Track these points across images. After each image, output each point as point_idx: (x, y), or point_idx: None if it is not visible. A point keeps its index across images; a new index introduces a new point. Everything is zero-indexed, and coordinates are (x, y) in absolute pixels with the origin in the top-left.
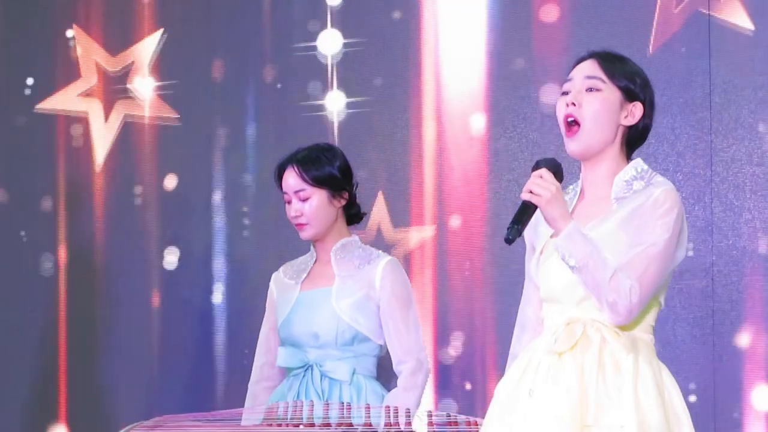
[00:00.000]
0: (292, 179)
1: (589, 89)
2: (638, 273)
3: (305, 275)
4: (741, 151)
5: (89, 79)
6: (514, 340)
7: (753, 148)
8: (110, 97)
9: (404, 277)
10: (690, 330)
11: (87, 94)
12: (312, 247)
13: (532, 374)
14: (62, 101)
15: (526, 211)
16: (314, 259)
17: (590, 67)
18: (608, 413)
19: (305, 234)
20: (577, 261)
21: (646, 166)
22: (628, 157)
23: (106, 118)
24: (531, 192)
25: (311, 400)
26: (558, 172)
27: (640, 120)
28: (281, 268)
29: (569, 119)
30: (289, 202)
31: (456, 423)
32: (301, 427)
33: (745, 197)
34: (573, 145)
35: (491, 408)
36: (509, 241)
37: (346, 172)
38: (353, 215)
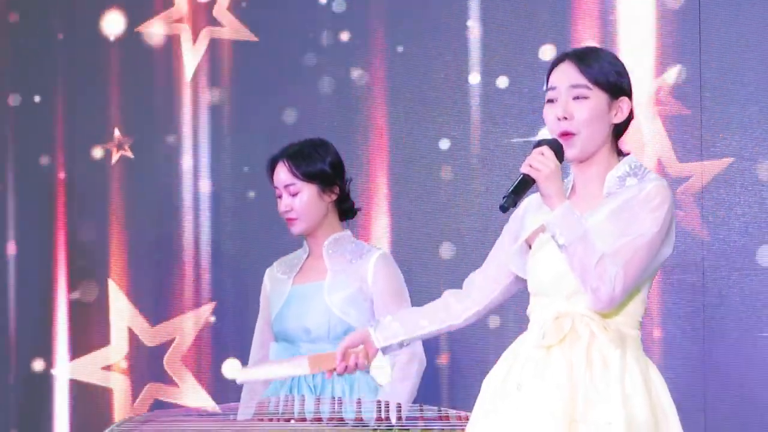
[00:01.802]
0: (282, 174)
1: (576, 97)
2: (624, 261)
3: (298, 270)
4: (732, 147)
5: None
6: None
7: (744, 143)
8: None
9: (396, 270)
10: (680, 325)
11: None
12: (305, 242)
13: (519, 369)
14: None
15: (524, 184)
16: (307, 254)
17: (571, 73)
18: (596, 408)
19: (295, 229)
20: (567, 240)
21: (639, 163)
22: (617, 149)
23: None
24: (530, 166)
25: (302, 395)
26: (559, 153)
27: (628, 114)
28: (275, 264)
29: (562, 132)
30: (280, 197)
31: (447, 417)
32: (293, 421)
33: (735, 192)
34: (570, 152)
35: (479, 402)
36: (504, 209)
37: (338, 167)
38: (346, 210)
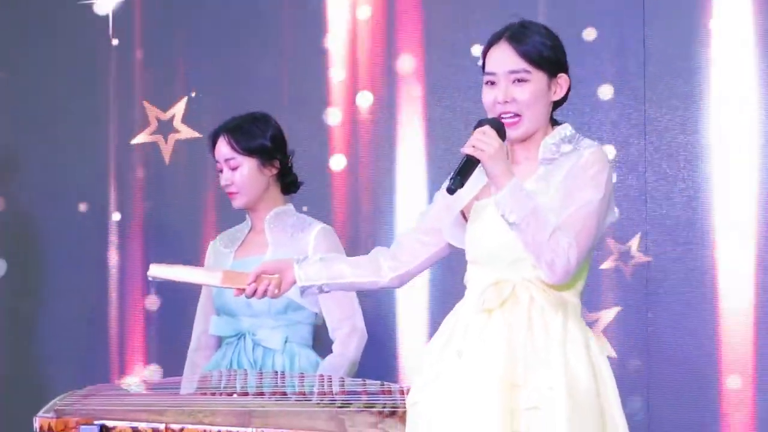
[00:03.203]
0: (223, 148)
1: (516, 80)
2: (575, 231)
3: (239, 243)
4: (675, 121)
5: None
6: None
7: (687, 117)
8: None
9: (338, 243)
10: (624, 299)
11: None
12: (247, 216)
13: (460, 335)
14: None
15: (469, 164)
16: (249, 228)
17: (510, 57)
18: (537, 373)
19: (236, 202)
20: (518, 217)
21: (573, 131)
22: (552, 120)
23: None
24: (474, 147)
25: (245, 369)
26: (500, 131)
27: (566, 89)
28: (218, 237)
29: (505, 116)
30: (221, 171)
31: (390, 392)
32: (235, 395)
33: (678, 167)
34: (514, 134)
35: (419, 371)
36: (452, 191)
37: (278, 141)
38: (289, 184)
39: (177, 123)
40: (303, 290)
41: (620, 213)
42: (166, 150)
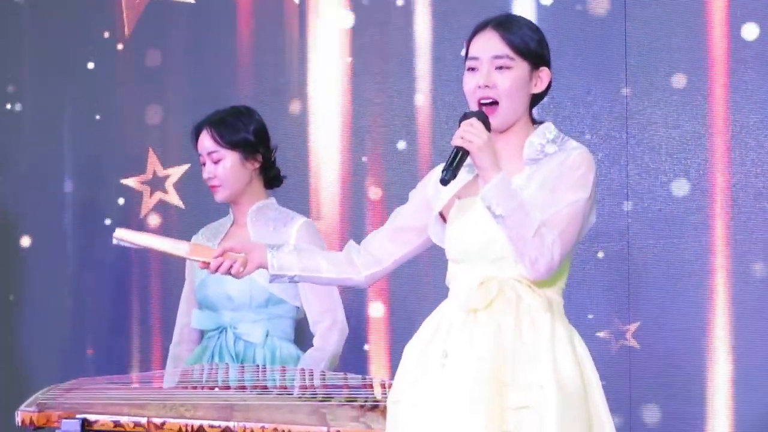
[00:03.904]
0: (206, 141)
1: (499, 67)
2: (560, 229)
3: (222, 237)
4: (657, 114)
5: None
6: (352, 244)
7: (668, 110)
8: None
9: (319, 237)
10: (605, 293)
11: None
12: (230, 210)
13: (444, 335)
14: None
15: (459, 156)
16: (231, 222)
17: (495, 43)
18: (526, 372)
19: (219, 196)
20: (504, 210)
21: (557, 131)
22: (532, 116)
23: None
24: (462, 138)
25: (226, 363)
26: (486, 124)
27: (547, 84)
28: (201, 231)
29: (484, 101)
30: (204, 164)
31: (371, 386)
32: (217, 389)
33: (660, 160)
34: (492, 122)
35: (402, 370)
36: (445, 182)
37: (261, 135)
38: (272, 178)
39: (168, 184)
40: (273, 278)
41: (602, 205)
42: (147, 204)
